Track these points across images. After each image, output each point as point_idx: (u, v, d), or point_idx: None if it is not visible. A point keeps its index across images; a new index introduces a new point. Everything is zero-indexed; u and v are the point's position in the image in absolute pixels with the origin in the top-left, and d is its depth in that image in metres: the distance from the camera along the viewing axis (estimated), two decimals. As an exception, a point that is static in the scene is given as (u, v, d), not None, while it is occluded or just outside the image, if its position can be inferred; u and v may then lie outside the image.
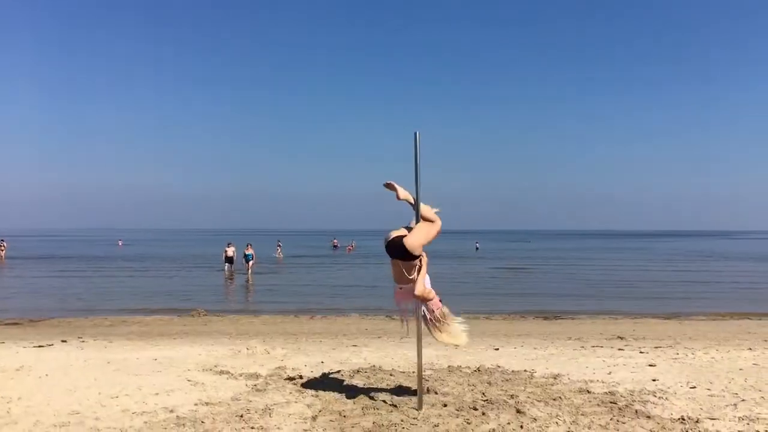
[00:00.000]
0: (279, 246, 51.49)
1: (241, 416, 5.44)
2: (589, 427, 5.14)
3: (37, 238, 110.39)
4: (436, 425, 5.19)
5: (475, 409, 5.65)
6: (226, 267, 32.53)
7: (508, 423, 5.24)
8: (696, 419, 5.37)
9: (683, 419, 5.37)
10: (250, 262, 31.78)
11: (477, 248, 65.73)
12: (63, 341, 10.86)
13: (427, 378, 6.82)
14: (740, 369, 7.68)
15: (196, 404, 5.88)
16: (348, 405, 5.83)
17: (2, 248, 45.79)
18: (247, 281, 28.64)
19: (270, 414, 5.53)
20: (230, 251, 32.63)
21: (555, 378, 7.13)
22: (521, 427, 5.13)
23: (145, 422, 5.30)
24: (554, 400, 6.01)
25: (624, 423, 5.25)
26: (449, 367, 7.77)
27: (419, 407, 5.64)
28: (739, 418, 5.46)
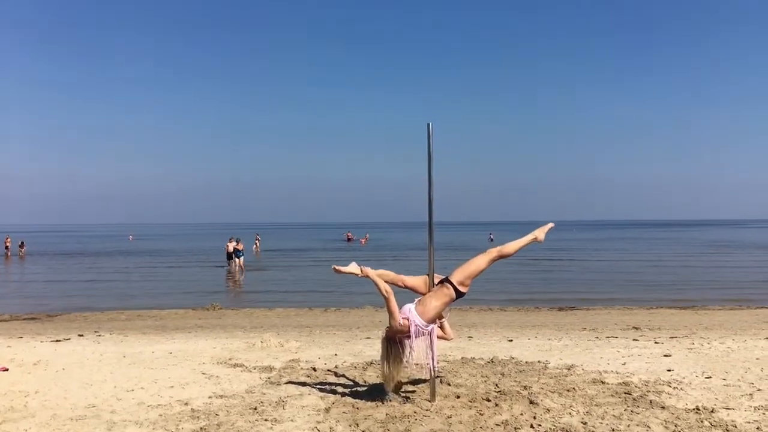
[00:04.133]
0: (257, 240, 50.62)
1: (255, 409, 5.48)
2: (603, 418, 5.12)
3: (49, 234, 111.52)
4: (449, 417, 5.19)
5: (488, 400, 5.65)
6: (228, 263, 32.52)
7: (521, 414, 5.23)
8: (711, 409, 5.33)
9: (698, 409, 5.33)
10: (241, 258, 31.75)
11: (491, 239, 65.13)
12: (80, 335, 10.98)
13: (440, 370, 6.82)
14: (757, 359, 7.61)
15: (210, 397, 5.93)
16: (361, 397, 5.85)
17: (22, 246, 46.83)
18: (239, 277, 28.41)
19: (284, 406, 5.55)
20: (231, 247, 32.64)
21: (569, 369, 7.11)
22: (534, 418, 5.12)
23: (161, 415, 5.35)
24: (568, 391, 5.99)
25: (638, 413, 5.23)
26: (462, 358, 7.77)
27: (432, 399, 5.65)
28: (755, 407, 5.41)
